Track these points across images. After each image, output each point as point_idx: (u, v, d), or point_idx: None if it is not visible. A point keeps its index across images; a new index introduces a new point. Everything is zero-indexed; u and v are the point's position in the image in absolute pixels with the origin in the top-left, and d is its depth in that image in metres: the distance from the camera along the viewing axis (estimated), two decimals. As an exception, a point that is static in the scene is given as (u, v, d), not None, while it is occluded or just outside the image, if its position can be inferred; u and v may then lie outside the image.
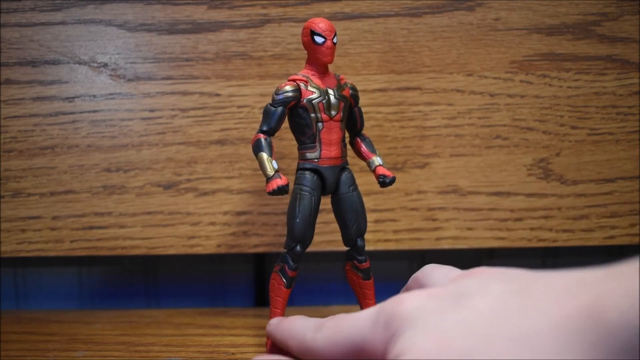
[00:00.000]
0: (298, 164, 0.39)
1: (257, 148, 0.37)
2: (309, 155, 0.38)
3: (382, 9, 0.51)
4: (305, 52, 0.39)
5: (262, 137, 0.37)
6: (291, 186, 0.38)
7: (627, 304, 0.17)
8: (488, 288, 0.22)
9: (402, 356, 0.21)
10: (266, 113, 0.37)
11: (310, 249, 0.42)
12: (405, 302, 0.23)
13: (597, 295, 0.18)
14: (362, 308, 0.41)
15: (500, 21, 0.51)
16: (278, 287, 0.38)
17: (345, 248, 0.41)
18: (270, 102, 0.38)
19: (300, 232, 0.37)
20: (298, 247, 0.38)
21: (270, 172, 0.36)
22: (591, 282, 0.19)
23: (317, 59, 0.38)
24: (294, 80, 0.38)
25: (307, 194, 0.38)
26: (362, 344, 0.24)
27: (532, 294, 0.20)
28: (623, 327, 0.17)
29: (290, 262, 0.38)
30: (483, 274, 0.24)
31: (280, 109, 0.37)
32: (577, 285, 0.19)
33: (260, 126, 0.37)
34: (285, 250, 0.38)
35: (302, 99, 0.37)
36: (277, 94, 0.37)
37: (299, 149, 0.39)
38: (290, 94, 0.37)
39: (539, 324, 0.19)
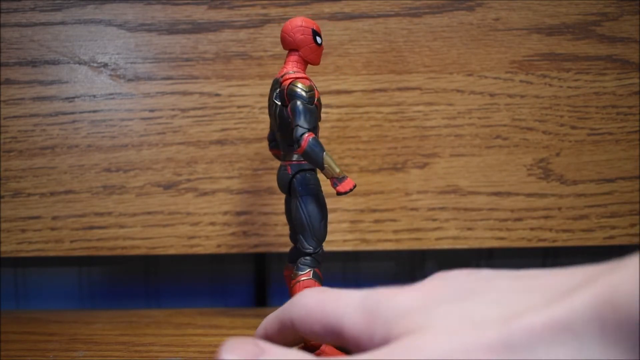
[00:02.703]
0: (300, 164, 0.38)
1: (320, 147, 0.35)
2: None
3: (382, 9, 0.51)
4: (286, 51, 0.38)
5: (314, 136, 0.35)
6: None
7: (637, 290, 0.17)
8: (494, 284, 0.22)
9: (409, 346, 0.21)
10: (307, 112, 0.35)
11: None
12: (400, 294, 0.23)
13: (608, 284, 0.18)
14: None
15: (500, 21, 0.51)
16: None
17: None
18: (306, 100, 0.36)
19: (326, 233, 0.37)
20: (322, 248, 0.37)
21: (341, 171, 0.35)
22: (597, 274, 0.19)
23: (313, 59, 0.38)
24: (306, 78, 0.37)
25: (322, 194, 0.37)
26: (341, 326, 0.24)
27: (539, 289, 0.20)
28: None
29: (319, 263, 0.37)
30: (483, 272, 0.24)
31: (314, 107, 0.36)
32: (583, 277, 0.19)
33: (304, 125, 0.35)
34: (311, 253, 0.37)
35: (315, 99, 0.37)
36: (308, 91, 0.36)
37: (293, 150, 0.37)
38: (315, 93, 0.36)
39: (554, 314, 0.19)
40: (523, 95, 0.51)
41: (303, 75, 0.37)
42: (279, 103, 0.37)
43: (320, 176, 0.38)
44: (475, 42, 0.51)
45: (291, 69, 0.38)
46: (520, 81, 0.51)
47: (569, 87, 0.51)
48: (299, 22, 0.38)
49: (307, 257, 0.37)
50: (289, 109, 0.36)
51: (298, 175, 0.38)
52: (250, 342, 0.24)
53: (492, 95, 0.51)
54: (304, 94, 0.36)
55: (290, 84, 0.37)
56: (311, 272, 0.36)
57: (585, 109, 0.52)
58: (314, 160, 0.35)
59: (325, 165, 0.35)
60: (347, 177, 0.36)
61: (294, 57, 0.38)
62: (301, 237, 0.37)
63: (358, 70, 0.51)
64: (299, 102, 0.36)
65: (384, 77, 0.51)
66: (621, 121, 0.52)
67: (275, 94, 0.38)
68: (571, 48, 0.51)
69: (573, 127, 0.52)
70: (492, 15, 0.51)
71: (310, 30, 0.38)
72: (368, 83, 0.51)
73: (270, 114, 0.39)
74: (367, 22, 0.51)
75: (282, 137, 0.38)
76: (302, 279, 0.36)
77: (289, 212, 0.40)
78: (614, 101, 0.52)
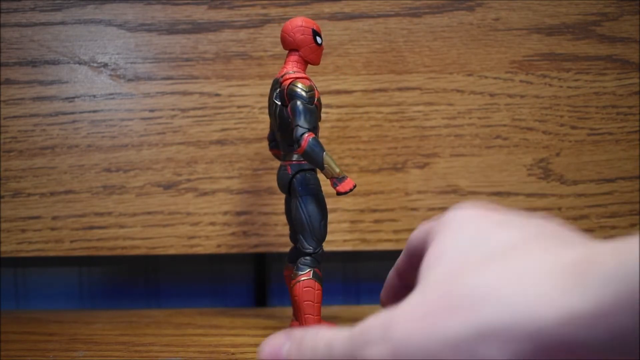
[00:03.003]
0: (300, 164, 0.38)
1: (320, 147, 0.35)
2: None
3: (382, 9, 0.51)
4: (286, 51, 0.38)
5: (314, 136, 0.35)
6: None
7: (623, 255, 0.19)
8: (525, 227, 0.25)
9: (431, 249, 0.25)
10: (307, 112, 0.36)
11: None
12: (462, 207, 0.27)
13: (592, 249, 0.20)
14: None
15: (500, 21, 0.51)
16: (317, 292, 0.36)
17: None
18: (306, 100, 0.36)
19: (326, 233, 0.37)
20: (322, 248, 0.37)
21: (341, 171, 0.35)
22: (580, 242, 0.22)
23: (313, 59, 0.38)
24: (307, 78, 0.37)
25: (322, 194, 0.37)
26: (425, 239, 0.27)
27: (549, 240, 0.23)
28: (621, 272, 0.18)
29: (319, 263, 0.37)
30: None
31: (314, 107, 0.36)
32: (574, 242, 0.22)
33: (304, 125, 0.35)
34: (311, 253, 0.37)
35: (315, 99, 0.37)
36: (308, 91, 0.36)
37: (294, 150, 0.37)
38: (315, 93, 0.36)
39: (541, 266, 0.21)
40: (523, 95, 0.51)
41: (303, 75, 0.37)
42: (279, 103, 0.37)
43: (320, 176, 0.38)
44: (475, 42, 0.51)
45: (291, 69, 0.38)
46: (520, 81, 0.51)
47: (569, 87, 0.51)
48: (299, 22, 0.38)
49: (307, 257, 0.37)
50: (289, 108, 0.36)
51: (298, 175, 0.38)
52: (281, 333, 0.29)
53: (492, 95, 0.51)
54: (304, 94, 0.36)
55: (290, 84, 0.37)
56: (311, 272, 0.36)
57: (585, 109, 0.52)
58: (314, 160, 0.35)
59: (325, 165, 0.35)
60: (347, 177, 0.36)
61: (294, 57, 0.38)
62: (301, 237, 0.37)
63: (358, 70, 0.51)
64: (299, 102, 0.36)
65: (384, 77, 0.51)
66: (621, 121, 0.52)
67: (275, 94, 0.38)
68: (571, 48, 0.51)
69: (573, 127, 0.52)
70: (492, 15, 0.51)
71: (311, 30, 0.38)
72: (368, 83, 0.51)
73: (270, 114, 0.39)
74: (367, 22, 0.50)
75: (282, 137, 0.38)
76: (302, 279, 0.36)
77: (289, 212, 0.40)
78: (614, 101, 0.52)
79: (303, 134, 0.35)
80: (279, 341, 0.29)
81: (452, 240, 0.25)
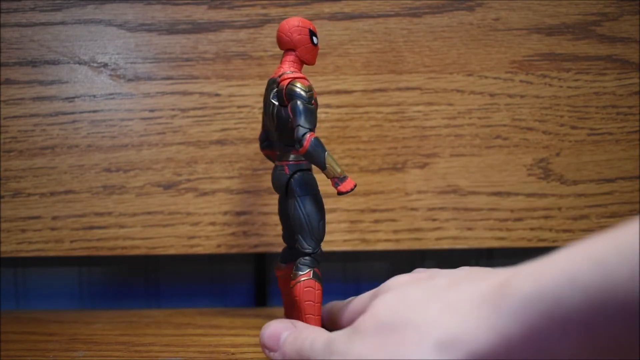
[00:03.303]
0: (297, 164, 0.38)
1: (321, 147, 0.35)
2: None
3: (382, 9, 0.51)
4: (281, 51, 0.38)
5: (315, 135, 0.35)
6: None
7: (528, 280, 0.22)
8: (454, 273, 0.29)
9: (372, 308, 0.28)
10: (308, 112, 0.35)
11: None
12: (392, 279, 0.31)
13: (505, 278, 0.23)
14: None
15: (500, 21, 0.51)
16: (317, 292, 0.36)
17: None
18: (306, 100, 0.36)
19: (324, 232, 0.37)
20: (320, 248, 0.37)
21: (342, 171, 0.35)
22: (503, 272, 0.25)
23: (309, 59, 0.38)
24: (305, 78, 0.37)
25: (320, 194, 0.37)
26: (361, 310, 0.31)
27: (469, 279, 0.27)
28: (524, 296, 0.21)
29: (318, 263, 0.37)
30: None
31: (314, 106, 0.36)
32: (495, 274, 0.25)
33: (305, 125, 0.35)
34: (311, 253, 0.37)
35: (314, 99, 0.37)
36: (308, 91, 0.36)
37: (291, 150, 0.38)
38: (314, 92, 0.37)
39: (468, 294, 0.25)
40: (523, 95, 0.51)
41: (301, 75, 0.37)
42: (277, 103, 0.37)
43: (318, 176, 0.38)
44: (475, 42, 0.51)
45: (288, 69, 0.38)
46: (520, 81, 0.51)
47: (569, 87, 0.51)
48: (296, 22, 0.38)
49: (307, 257, 0.37)
50: (289, 108, 0.36)
51: (296, 176, 0.37)
52: (285, 321, 0.34)
53: (492, 95, 0.51)
54: (303, 93, 0.36)
55: (289, 83, 0.36)
56: (311, 272, 0.36)
57: (585, 109, 0.52)
58: (316, 160, 0.35)
59: (327, 165, 0.35)
60: (348, 177, 0.36)
61: (290, 57, 0.38)
62: (300, 237, 0.37)
63: (358, 70, 0.51)
64: (299, 102, 0.36)
65: (384, 77, 0.51)
66: (621, 121, 0.52)
67: (272, 93, 0.38)
68: (571, 48, 0.51)
69: (573, 127, 0.52)
70: (492, 15, 0.51)
71: (307, 30, 0.38)
72: (368, 83, 0.51)
73: (266, 114, 0.39)
74: (367, 22, 0.51)
75: (279, 137, 0.38)
76: (302, 279, 0.36)
77: (283, 212, 0.40)
78: (614, 101, 0.52)
79: (305, 133, 0.35)
80: (280, 328, 0.34)
81: (387, 293, 0.29)
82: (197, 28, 0.50)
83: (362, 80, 0.51)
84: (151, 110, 0.50)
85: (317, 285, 0.36)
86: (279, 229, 0.51)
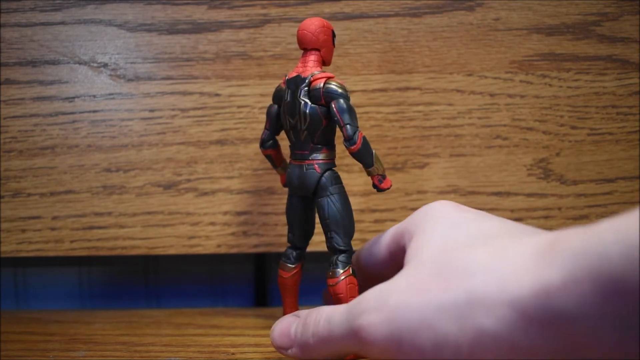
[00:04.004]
0: (327, 163, 0.38)
1: (369, 145, 0.37)
2: (333, 155, 0.39)
3: (382, 9, 0.51)
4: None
5: (363, 134, 0.37)
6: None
7: (587, 236, 0.22)
8: (502, 222, 0.29)
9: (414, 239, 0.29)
10: (352, 110, 0.37)
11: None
12: (433, 210, 0.31)
13: (554, 236, 0.23)
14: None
15: (500, 21, 0.51)
16: (356, 287, 0.37)
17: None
18: (348, 99, 0.37)
19: (354, 229, 0.38)
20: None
21: (384, 169, 0.37)
22: (549, 232, 0.25)
23: (329, 59, 0.39)
24: (334, 77, 0.38)
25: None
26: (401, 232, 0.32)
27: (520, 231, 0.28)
28: (585, 249, 0.21)
29: (351, 259, 0.38)
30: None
31: None
32: (541, 232, 0.26)
33: (353, 123, 0.36)
34: (346, 250, 0.38)
35: None
36: (346, 90, 0.37)
37: (329, 148, 0.39)
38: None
39: (516, 245, 0.25)
40: (523, 95, 0.51)
41: (331, 75, 0.38)
42: (309, 102, 0.37)
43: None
44: (475, 42, 0.51)
45: (315, 69, 0.38)
46: (520, 81, 0.51)
47: (569, 87, 0.51)
48: (322, 23, 0.38)
49: (343, 255, 0.37)
50: (333, 107, 0.37)
51: (326, 174, 0.38)
52: (288, 316, 0.34)
53: (492, 95, 0.51)
54: (344, 92, 0.37)
55: (325, 83, 0.37)
56: (350, 269, 0.37)
57: (585, 109, 0.52)
58: (366, 157, 0.37)
59: (374, 163, 0.36)
60: (387, 175, 0.37)
61: (314, 57, 0.38)
62: (335, 235, 0.37)
63: (358, 70, 0.51)
64: (342, 101, 0.37)
65: (384, 77, 0.51)
66: (621, 121, 0.52)
67: (301, 92, 0.38)
68: (571, 48, 0.51)
69: (573, 127, 0.52)
70: (492, 15, 0.51)
71: (331, 31, 0.39)
72: (368, 83, 0.51)
73: (289, 114, 0.38)
74: (367, 22, 0.51)
75: (309, 135, 0.38)
76: (343, 277, 0.37)
77: (299, 213, 0.40)
78: (614, 101, 0.52)
79: (355, 132, 0.36)
80: (286, 323, 0.33)
81: (434, 230, 0.28)
82: (197, 28, 0.50)
83: (362, 80, 0.51)
84: (151, 110, 0.50)
85: (356, 281, 0.37)
86: (279, 229, 0.51)
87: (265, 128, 0.42)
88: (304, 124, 0.38)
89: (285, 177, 0.41)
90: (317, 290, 0.57)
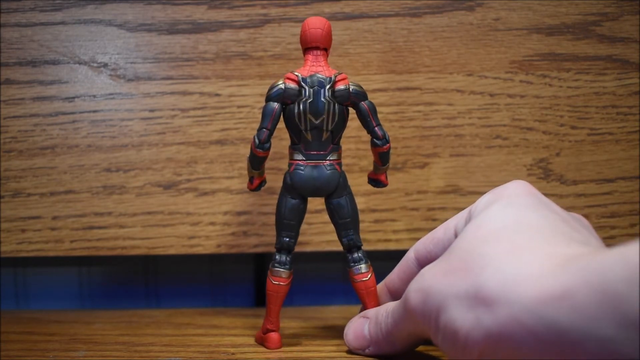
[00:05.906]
0: (340, 163, 0.39)
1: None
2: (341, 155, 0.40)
3: (382, 9, 0.51)
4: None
5: None
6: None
7: (600, 254, 0.22)
8: (554, 219, 0.29)
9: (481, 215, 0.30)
10: (376, 110, 0.38)
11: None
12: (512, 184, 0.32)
13: (586, 249, 0.25)
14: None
15: (500, 21, 0.51)
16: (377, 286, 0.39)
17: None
18: (368, 97, 0.38)
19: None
20: None
21: None
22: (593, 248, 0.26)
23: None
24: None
25: None
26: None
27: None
28: (589, 266, 0.22)
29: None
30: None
31: None
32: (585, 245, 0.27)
33: (380, 123, 0.38)
34: (360, 247, 0.39)
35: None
36: (365, 90, 0.38)
37: (341, 148, 0.39)
38: None
39: (537, 253, 0.25)
40: (523, 95, 0.51)
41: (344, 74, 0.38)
42: (336, 102, 0.37)
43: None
44: (475, 42, 0.51)
45: (328, 67, 0.38)
46: (520, 81, 0.51)
47: (569, 87, 0.51)
48: (327, 22, 0.38)
49: (360, 250, 0.39)
50: (366, 109, 0.38)
51: (343, 173, 0.39)
52: (357, 317, 0.37)
53: (492, 95, 0.51)
54: (365, 92, 0.38)
55: (350, 83, 0.38)
56: (372, 267, 0.39)
57: (585, 109, 0.52)
58: (389, 156, 0.39)
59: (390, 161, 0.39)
60: None
61: (325, 56, 0.38)
62: (354, 232, 0.39)
63: (358, 70, 0.51)
64: (370, 102, 0.38)
65: (384, 77, 0.51)
66: (621, 121, 0.52)
67: (327, 92, 0.37)
68: (571, 48, 0.51)
69: (573, 127, 0.52)
70: (492, 15, 0.51)
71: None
72: (368, 83, 0.51)
73: (313, 113, 0.37)
74: (367, 22, 0.51)
75: (332, 135, 0.38)
76: (370, 273, 0.39)
77: (300, 215, 0.39)
78: (614, 101, 0.52)
79: (385, 132, 0.38)
80: (358, 325, 0.36)
81: (485, 215, 0.30)
82: (197, 28, 0.50)
83: (362, 80, 0.50)
84: (151, 110, 0.50)
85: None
86: (279, 229, 0.51)
87: (266, 128, 0.38)
88: (331, 124, 0.37)
89: (288, 178, 0.39)
90: (315, 290, 0.58)
